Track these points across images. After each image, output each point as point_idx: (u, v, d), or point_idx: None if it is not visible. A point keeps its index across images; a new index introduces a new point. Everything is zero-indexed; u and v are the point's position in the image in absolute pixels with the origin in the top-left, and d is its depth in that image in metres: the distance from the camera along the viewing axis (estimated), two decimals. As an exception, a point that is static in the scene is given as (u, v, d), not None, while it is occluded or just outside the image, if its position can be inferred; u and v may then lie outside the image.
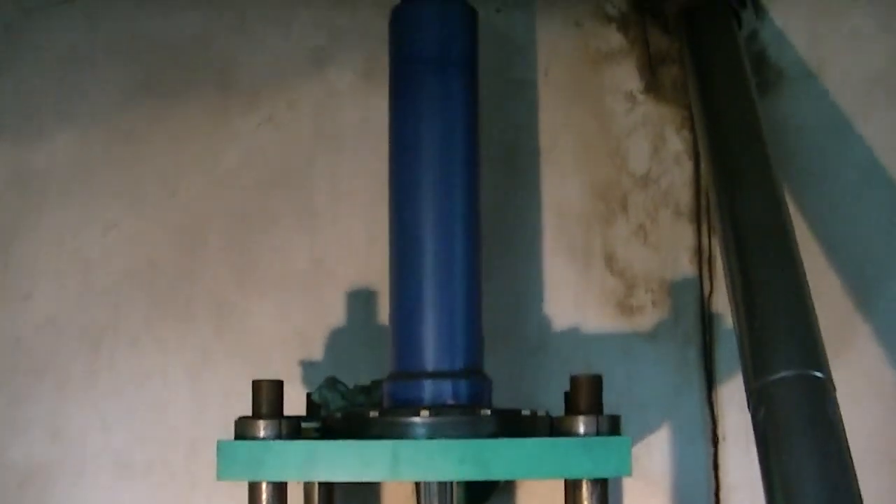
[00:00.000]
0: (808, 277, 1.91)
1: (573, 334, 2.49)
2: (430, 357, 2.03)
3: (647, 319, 2.50)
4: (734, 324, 1.91)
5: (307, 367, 2.49)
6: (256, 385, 1.96)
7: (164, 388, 2.52)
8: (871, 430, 2.40)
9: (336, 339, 2.50)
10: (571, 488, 1.93)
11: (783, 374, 1.73)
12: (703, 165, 2.47)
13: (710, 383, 2.47)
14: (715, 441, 2.45)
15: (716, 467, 2.46)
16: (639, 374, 2.47)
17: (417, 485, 2.25)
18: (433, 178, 2.09)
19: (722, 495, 2.45)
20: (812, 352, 1.78)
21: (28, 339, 2.56)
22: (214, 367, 2.52)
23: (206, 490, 2.45)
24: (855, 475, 1.62)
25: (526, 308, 2.51)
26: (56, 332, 2.56)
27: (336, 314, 2.52)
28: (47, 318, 2.57)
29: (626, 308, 2.50)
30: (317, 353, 2.50)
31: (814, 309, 1.85)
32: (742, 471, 2.43)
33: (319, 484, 2.20)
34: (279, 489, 1.91)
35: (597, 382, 1.96)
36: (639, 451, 2.44)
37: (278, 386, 1.96)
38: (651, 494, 2.46)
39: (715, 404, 2.46)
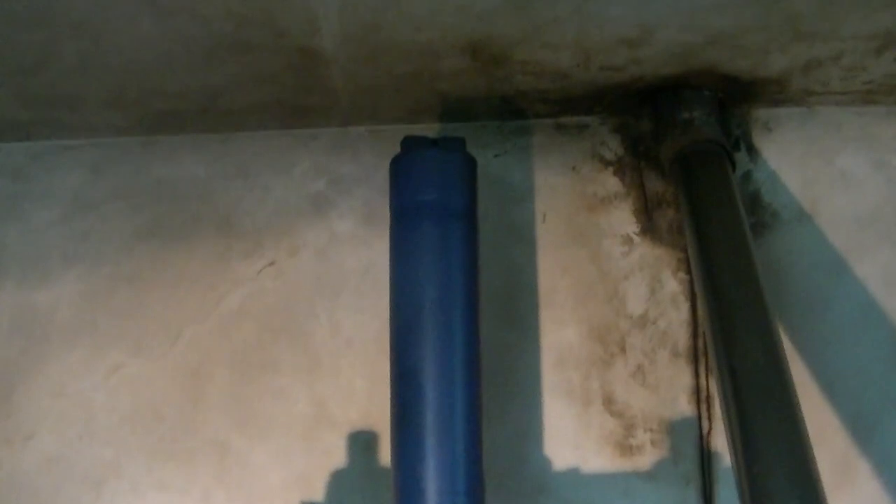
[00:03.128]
0: (806, 415, 1.92)
1: (573, 475, 2.48)
2: (433, 502, 2.02)
3: (647, 459, 2.49)
4: (733, 467, 1.91)
5: (309, 510, 2.49)
6: (260, 532, 1.97)
7: (165, 532, 2.52)
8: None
9: (338, 483, 2.49)
10: None
11: (783, 518, 1.75)
12: (699, 306, 2.48)
13: (710, 522, 2.46)
14: (716, 581, 2.44)
15: None
16: (640, 514, 2.47)
17: None
18: (433, 323, 2.11)
19: None
20: (811, 495, 1.79)
21: (29, 482, 2.55)
22: (216, 511, 2.52)
23: None
24: None
25: (526, 450, 2.50)
26: (58, 474, 2.55)
27: (337, 457, 2.50)
28: (49, 460, 2.56)
29: (625, 448, 2.49)
30: (318, 496, 2.48)
31: (811, 449, 1.86)
32: None
33: None
34: None
35: (597, 528, 1.98)
36: None
37: (281, 533, 1.97)
38: None
39: (716, 543, 2.45)
